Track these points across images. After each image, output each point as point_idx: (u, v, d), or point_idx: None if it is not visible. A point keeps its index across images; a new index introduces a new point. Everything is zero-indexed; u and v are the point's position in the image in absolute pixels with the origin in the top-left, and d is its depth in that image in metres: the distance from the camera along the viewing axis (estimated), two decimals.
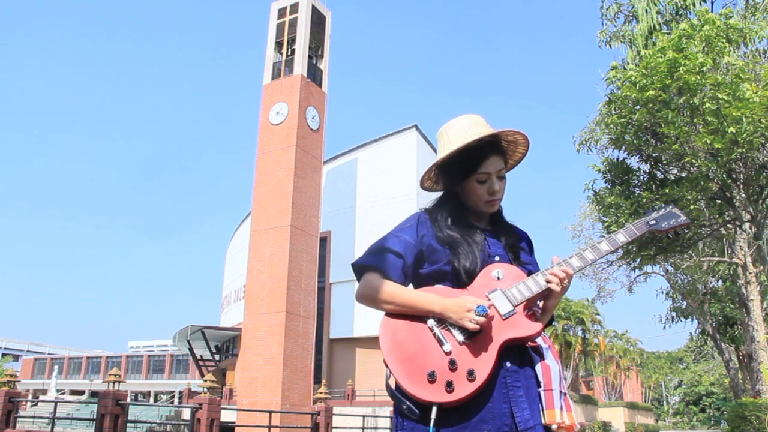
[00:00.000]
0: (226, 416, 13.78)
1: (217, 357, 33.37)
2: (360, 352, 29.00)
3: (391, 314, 1.62)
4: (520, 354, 1.63)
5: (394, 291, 1.61)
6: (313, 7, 28.61)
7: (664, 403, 67.92)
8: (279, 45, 28.32)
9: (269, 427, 12.18)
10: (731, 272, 17.24)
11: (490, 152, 1.70)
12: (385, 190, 30.21)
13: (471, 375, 1.49)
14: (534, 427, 1.55)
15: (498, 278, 1.65)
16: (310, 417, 12.09)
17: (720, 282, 21.36)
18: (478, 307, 1.52)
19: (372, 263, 1.67)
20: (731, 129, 10.01)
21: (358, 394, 26.34)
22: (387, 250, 1.68)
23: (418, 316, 1.60)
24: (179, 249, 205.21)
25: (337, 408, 17.57)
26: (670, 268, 22.05)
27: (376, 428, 18.18)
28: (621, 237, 1.74)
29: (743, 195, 11.97)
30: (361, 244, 29.25)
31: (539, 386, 1.61)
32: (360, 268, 1.70)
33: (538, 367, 1.63)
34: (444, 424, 1.50)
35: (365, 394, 26.30)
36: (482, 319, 1.52)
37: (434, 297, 1.60)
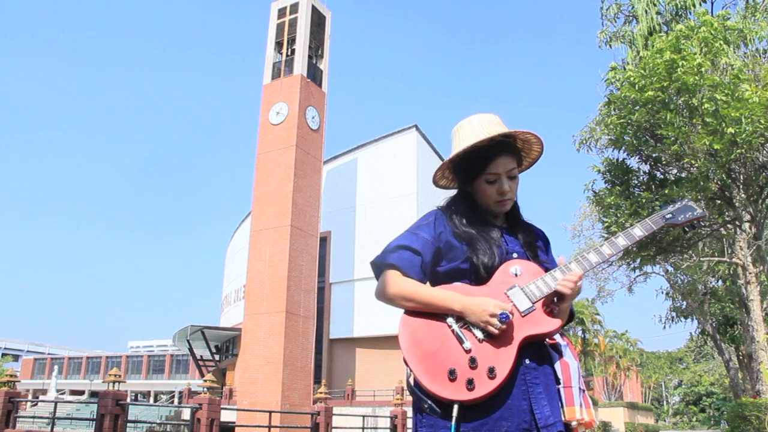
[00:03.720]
0: (226, 416, 13.77)
1: (217, 357, 33.33)
2: (360, 352, 28.99)
3: (409, 312, 1.62)
4: (539, 351, 1.63)
5: (413, 289, 1.61)
6: (313, 7, 28.62)
7: (664, 403, 67.89)
8: (279, 45, 28.32)
9: (269, 427, 12.19)
10: (731, 272, 17.24)
11: (500, 152, 1.69)
12: (385, 190, 30.17)
13: (491, 373, 1.50)
14: (554, 424, 1.54)
15: (516, 275, 1.65)
16: (310, 417, 12.09)
17: (720, 282, 21.37)
18: (501, 314, 1.52)
19: (391, 261, 1.66)
20: (730, 130, 10.02)
21: (358, 394, 26.33)
22: (405, 248, 1.67)
23: (437, 314, 1.59)
24: (179, 249, 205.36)
25: (337, 408, 17.56)
26: (670, 268, 22.04)
27: (376, 428, 18.14)
28: (638, 231, 1.74)
29: (743, 195, 11.98)
30: (361, 244, 29.26)
31: (558, 383, 1.61)
32: (378, 266, 1.70)
33: (557, 364, 1.63)
34: (463, 420, 1.50)
35: (365, 394, 26.30)
36: (504, 327, 1.53)
37: (454, 295, 1.59)
